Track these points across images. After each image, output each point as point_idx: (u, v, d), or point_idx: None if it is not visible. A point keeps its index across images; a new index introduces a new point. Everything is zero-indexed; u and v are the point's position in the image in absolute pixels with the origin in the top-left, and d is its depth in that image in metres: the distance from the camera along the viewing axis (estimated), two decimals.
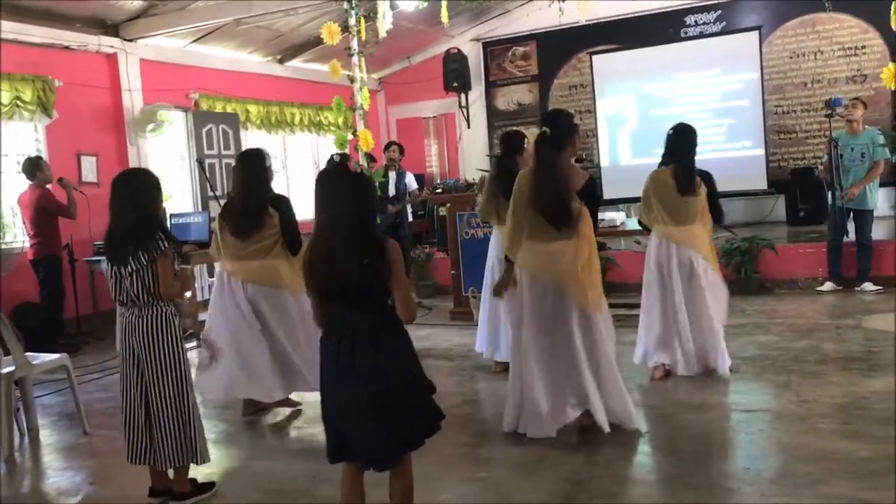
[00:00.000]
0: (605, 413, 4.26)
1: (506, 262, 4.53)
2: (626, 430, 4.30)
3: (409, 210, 10.18)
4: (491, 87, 13.44)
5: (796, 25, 11.34)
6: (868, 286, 7.90)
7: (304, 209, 12.39)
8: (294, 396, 5.30)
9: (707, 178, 5.35)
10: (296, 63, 12.20)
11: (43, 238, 7.80)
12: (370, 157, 9.72)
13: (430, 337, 7.32)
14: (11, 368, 4.91)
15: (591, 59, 12.24)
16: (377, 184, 8.65)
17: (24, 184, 7.95)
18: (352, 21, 8.93)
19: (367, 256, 2.86)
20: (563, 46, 12.59)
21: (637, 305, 5.74)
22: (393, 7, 8.86)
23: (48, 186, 7.95)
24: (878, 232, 8.99)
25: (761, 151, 11.05)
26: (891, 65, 7.71)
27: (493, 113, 13.43)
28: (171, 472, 3.77)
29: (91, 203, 7.98)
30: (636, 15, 11.39)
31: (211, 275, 9.40)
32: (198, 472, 3.94)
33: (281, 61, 12.02)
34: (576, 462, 4.00)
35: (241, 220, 4.98)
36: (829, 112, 8.28)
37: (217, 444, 4.66)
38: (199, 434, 3.75)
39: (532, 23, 12.57)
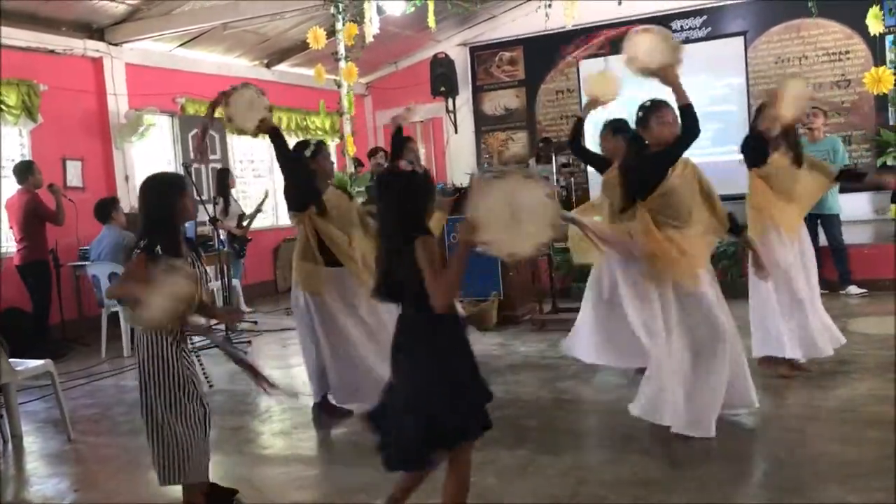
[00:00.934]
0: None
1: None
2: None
3: None
4: (478, 92, 13.46)
5: (781, 31, 11.42)
6: (853, 289, 7.98)
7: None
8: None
9: None
10: (283, 67, 12.18)
11: (31, 243, 7.74)
12: (357, 162, 9.74)
13: None
14: None
15: (577, 63, 12.30)
16: (364, 188, 8.65)
17: (8, 188, 7.90)
18: (338, 25, 8.94)
19: (398, 255, 2.90)
20: (549, 51, 12.63)
21: None
22: (380, 12, 8.87)
23: (37, 191, 7.90)
24: (863, 236, 9.08)
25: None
26: (874, 69, 7.85)
27: (480, 117, 13.45)
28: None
29: (77, 208, 7.94)
30: (622, 20, 11.42)
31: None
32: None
33: (268, 65, 12.00)
34: (564, 465, 3.99)
35: None
36: None
37: None
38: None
39: (519, 28, 12.61)
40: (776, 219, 5.09)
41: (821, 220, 8.03)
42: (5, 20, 8.17)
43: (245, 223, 9.21)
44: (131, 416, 5.39)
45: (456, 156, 13.32)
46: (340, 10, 8.91)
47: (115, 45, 9.53)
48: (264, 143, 11.86)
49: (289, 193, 5.10)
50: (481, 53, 13.40)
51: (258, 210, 9.34)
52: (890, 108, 10.35)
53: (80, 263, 8.25)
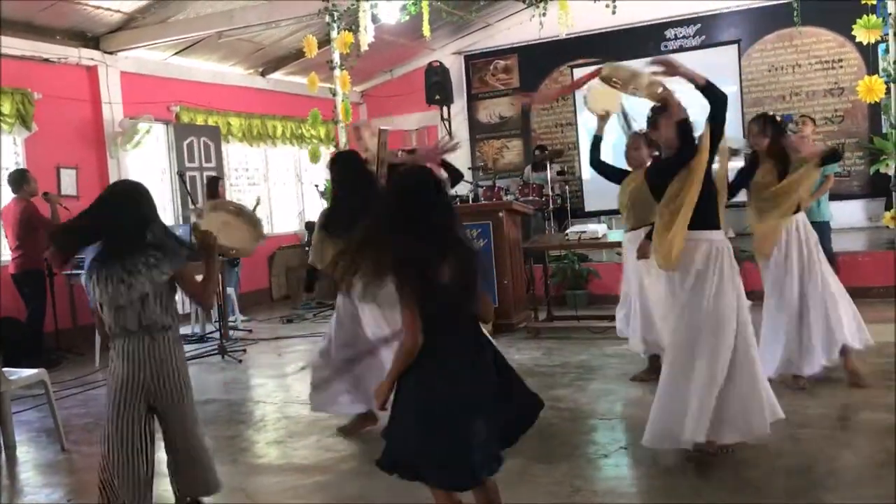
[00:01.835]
0: None
1: None
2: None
3: None
4: (473, 100, 13.50)
5: (774, 39, 11.47)
6: None
7: (286, 222, 12.40)
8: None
9: None
10: (277, 76, 12.19)
11: (26, 251, 7.72)
12: None
13: None
14: None
15: (571, 72, 12.35)
16: None
17: (3, 197, 7.89)
18: (333, 34, 8.96)
19: None
20: (544, 60, 12.67)
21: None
22: (375, 20, 8.89)
23: (32, 200, 7.88)
24: (857, 243, 9.11)
25: (741, 164, 11.12)
26: (866, 78, 7.89)
27: (475, 126, 13.49)
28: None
29: (72, 216, 7.92)
30: (616, 29, 11.47)
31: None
32: None
33: (263, 74, 12.01)
34: (558, 474, 3.99)
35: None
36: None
37: None
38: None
39: (513, 36, 12.65)
40: None
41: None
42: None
43: None
44: None
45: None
46: (335, 18, 8.93)
47: (110, 53, 9.53)
48: (258, 152, 11.93)
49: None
50: (476, 62, 13.44)
51: None
52: (883, 117, 10.40)
53: (74, 272, 8.21)
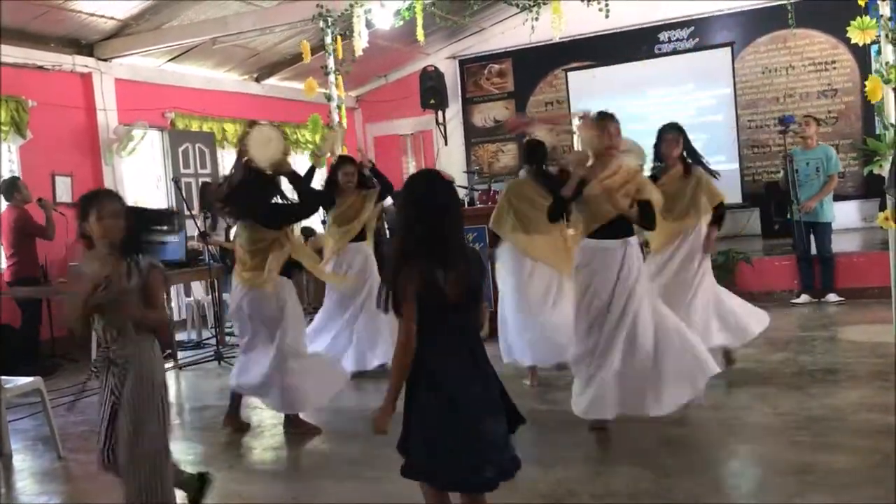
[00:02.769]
0: None
1: None
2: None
3: (387, 227, 10.17)
4: (468, 105, 13.51)
5: (768, 41, 11.50)
6: (832, 297, 8.08)
7: None
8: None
9: None
10: (272, 81, 12.19)
11: (21, 259, 7.71)
12: None
13: None
14: None
15: (566, 75, 12.38)
16: None
17: None
18: (328, 40, 8.96)
19: None
20: (538, 64, 12.70)
21: None
22: (369, 25, 8.89)
23: (25, 207, 7.86)
24: (853, 244, 9.13)
25: (735, 165, 11.20)
26: (871, 77, 7.88)
27: (470, 130, 13.50)
28: None
29: (68, 223, 7.91)
30: (610, 32, 11.49)
31: (188, 294, 9.34)
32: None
33: (257, 79, 12.01)
34: (554, 477, 3.98)
35: None
36: (783, 129, 8.86)
37: (196, 466, 4.60)
38: None
39: (507, 40, 12.67)
40: None
41: (813, 229, 8.08)
42: None
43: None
44: None
45: (446, 168, 13.21)
46: (329, 24, 8.93)
47: (104, 60, 9.52)
48: None
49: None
50: (470, 66, 13.46)
51: None
52: (876, 118, 10.42)
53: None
